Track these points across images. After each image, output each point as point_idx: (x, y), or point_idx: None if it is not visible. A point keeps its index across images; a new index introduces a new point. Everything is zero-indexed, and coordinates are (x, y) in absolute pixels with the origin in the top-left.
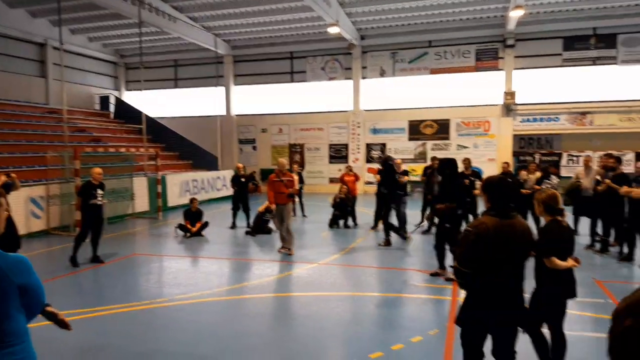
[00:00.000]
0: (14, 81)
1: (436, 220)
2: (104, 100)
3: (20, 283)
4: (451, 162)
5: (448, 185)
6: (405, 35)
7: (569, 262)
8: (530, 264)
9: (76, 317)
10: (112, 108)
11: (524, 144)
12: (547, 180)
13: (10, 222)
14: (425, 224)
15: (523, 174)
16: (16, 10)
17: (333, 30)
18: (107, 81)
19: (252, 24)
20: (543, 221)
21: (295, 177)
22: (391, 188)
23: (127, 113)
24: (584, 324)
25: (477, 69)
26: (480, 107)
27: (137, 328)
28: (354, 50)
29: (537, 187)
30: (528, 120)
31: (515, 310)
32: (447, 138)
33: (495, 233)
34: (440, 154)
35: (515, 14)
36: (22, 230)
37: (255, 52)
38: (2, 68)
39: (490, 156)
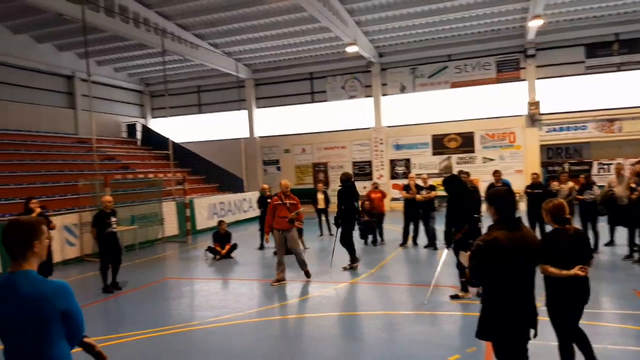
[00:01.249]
0: (43, 113)
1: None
2: (131, 128)
3: (63, 309)
4: (455, 178)
5: (460, 200)
6: (424, 51)
7: (572, 271)
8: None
9: (110, 342)
10: (139, 135)
11: (552, 154)
12: (589, 191)
13: (48, 249)
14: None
15: (554, 184)
16: (43, 45)
17: (351, 49)
18: (134, 109)
19: (271, 47)
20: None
21: (321, 196)
22: (347, 208)
23: (153, 139)
24: (627, 338)
25: (498, 80)
26: (504, 118)
27: (170, 353)
28: (373, 67)
29: (579, 197)
30: (554, 130)
31: (531, 318)
32: (472, 151)
33: (508, 246)
34: (466, 168)
35: (534, 24)
36: (57, 257)
37: (276, 74)
38: (31, 101)
39: (517, 167)
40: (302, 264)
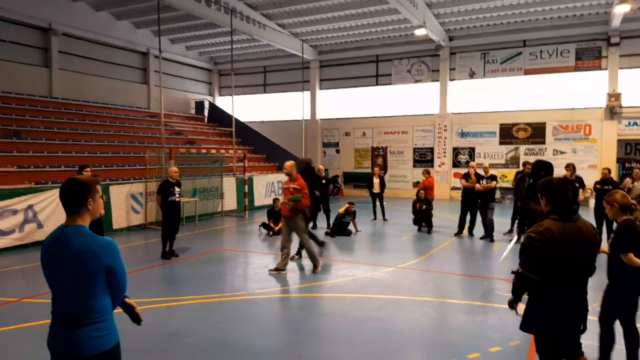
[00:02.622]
0: (118, 87)
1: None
2: (199, 105)
3: (108, 264)
4: (546, 165)
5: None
6: (497, 35)
7: None
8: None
9: (163, 304)
10: (206, 112)
11: (630, 150)
12: None
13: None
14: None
15: (627, 181)
16: (122, 22)
17: (420, 32)
18: (202, 87)
19: (339, 28)
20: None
21: (377, 181)
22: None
23: (219, 117)
24: None
25: (576, 69)
26: (580, 110)
27: (217, 318)
28: (441, 51)
29: None
30: (635, 124)
31: (581, 313)
32: (542, 142)
33: (561, 237)
34: (534, 160)
35: (620, 10)
36: (122, 223)
37: (341, 56)
38: (109, 75)
39: (591, 162)
40: (312, 257)
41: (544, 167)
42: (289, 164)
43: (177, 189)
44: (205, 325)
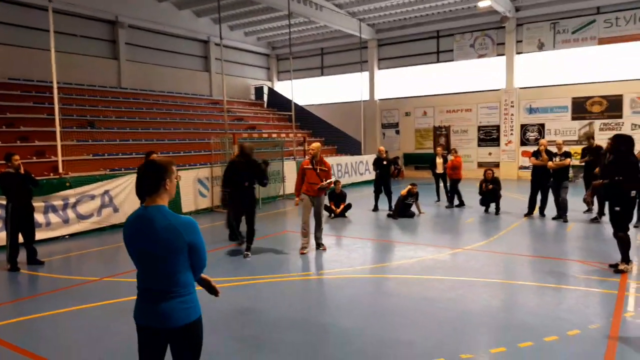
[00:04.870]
0: (182, 76)
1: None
2: (258, 90)
3: (190, 241)
4: (628, 139)
5: (620, 162)
6: (568, 3)
7: None
8: None
9: (232, 284)
10: (265, 97)
11: None
12: None
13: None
14: (594, 210)
15: None
16: (183, 11)
17: (484, 4)
18: (261, 72)
19: (397, 5)
20: None
21: (440, 161)
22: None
23: (278, 102)
24: None
25: None
26: None
27: (285, 297)
28: (507, 23)
29: None
30: None
31: None
32: (619, 116)
33: None
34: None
35: None
36: (190, 207)
37: (400, 33)
38: (173, 64)
39: None
40: (319, 232)
41: (624, 141)
42: (317, 145)
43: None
44: (274, 303)
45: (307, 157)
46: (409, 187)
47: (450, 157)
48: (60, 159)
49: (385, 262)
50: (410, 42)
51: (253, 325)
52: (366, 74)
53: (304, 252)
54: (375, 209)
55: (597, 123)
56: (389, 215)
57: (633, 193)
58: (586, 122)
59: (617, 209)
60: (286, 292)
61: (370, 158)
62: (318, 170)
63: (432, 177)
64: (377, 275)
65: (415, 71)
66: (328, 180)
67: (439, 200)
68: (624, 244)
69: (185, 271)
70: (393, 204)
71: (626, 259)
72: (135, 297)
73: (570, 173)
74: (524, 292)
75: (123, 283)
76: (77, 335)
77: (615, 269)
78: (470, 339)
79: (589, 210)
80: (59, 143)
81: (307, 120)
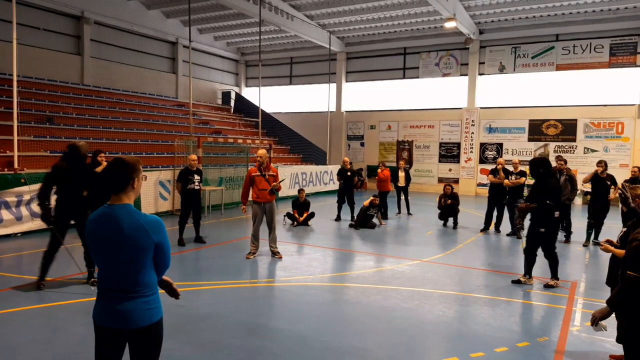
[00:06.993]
0: (148, 76)
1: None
2: (226, 95)
3: (157, 241)
4: (544, 162)
5: (541, 185)
6: (529, 29)
7: None
8: None
9: (192, 288)
10: (232, 103)
11: None
12: None
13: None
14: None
15: None
16: (152, 11)
17: (450, 24)
18: (229, 77)
19: (366, 20)
20: None
21: (402, 174)
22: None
23: (245, 108)
24: None
25: (610, 65)
26: (613, 107)
27: (244, 302)
28: (471, 45)
29: None
30: None
31: None
32: (573, 140)
33: None
34: (565, 157)
35: None
36: (150, 209)
37: (368, 48)
38: (139, 64)
39: (622, 161)
40: (274, 242)
41: (541, 164)
42: (263, 152)
43: (196, 177)
44: (233, 309)
45: (254, 164)
46: (371, 198)
47: (378, 170)
48: (16, 154)
49: (345, 271)
50: (378, 57)
51: (212, 330)
52: (334, 86)
53: (250, 257)
54: (338, 218)
55: (552, 145)
56: (350, 225)
57: (557, 214)
58: (541, 143)
59: (542, 230)
60: (246, 298)
61: (335, 168)
62: (267, 176)
63: (394, 189)
64: (336, 284)
65: (381, 85)
66: (279, 181)
67: (399, 212)
68: (554, 263)
69: (149, 271)
70: (355, 214)
71: (555, 276)
72: (92, 298)
73: (525, 191)
74: (478, 304)
75: (77, 284)
76: (28, 336)
77: (545, 284)
78: (424, 348)
79: (518, 233)
80: (15, 138)
81: (274, 127)
